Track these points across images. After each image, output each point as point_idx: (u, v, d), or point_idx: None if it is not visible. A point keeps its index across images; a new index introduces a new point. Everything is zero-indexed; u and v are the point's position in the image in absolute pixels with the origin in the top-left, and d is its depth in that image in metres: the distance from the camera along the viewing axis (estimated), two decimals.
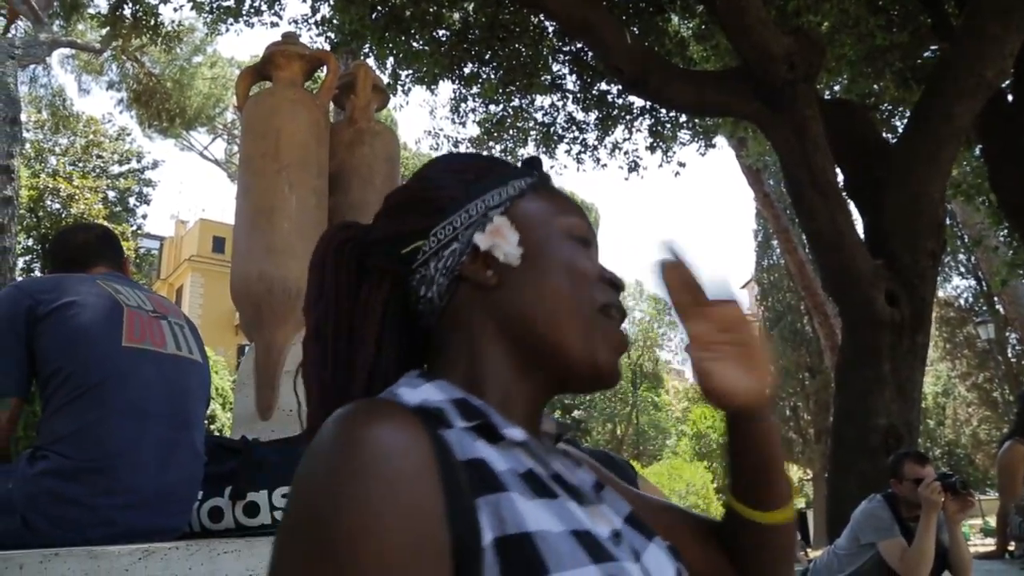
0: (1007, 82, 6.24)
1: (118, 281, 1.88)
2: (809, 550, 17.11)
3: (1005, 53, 4.83)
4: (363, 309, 0.67)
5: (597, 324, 0.65)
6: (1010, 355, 20.24)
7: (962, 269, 19.99)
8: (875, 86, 7.88)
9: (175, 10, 7.99)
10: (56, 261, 2.00)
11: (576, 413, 25.80)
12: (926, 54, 7.29)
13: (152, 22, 7.58)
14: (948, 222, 14.21)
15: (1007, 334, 18.89)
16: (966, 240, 14.03)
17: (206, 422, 2.83)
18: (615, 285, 0.69)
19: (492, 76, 7.71)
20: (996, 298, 17.51)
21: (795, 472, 27.67)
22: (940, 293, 21.28)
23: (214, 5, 7.31)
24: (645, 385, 27.70)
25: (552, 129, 8.51)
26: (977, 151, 7.51)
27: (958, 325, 22.60)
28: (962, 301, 22.18)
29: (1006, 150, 6.44)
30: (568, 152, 8.75)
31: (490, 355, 0.65)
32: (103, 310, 1.73)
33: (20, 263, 12.33)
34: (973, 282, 20.66)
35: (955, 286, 22.18)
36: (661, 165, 9.15)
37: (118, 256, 2.05)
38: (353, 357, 0.66)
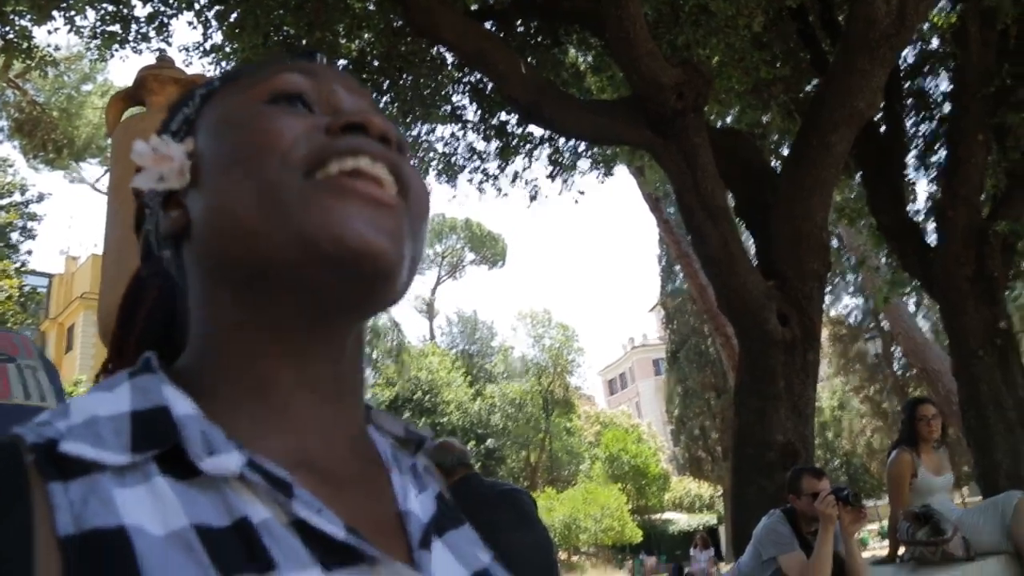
0: (879, 114, 6.67)
1: None
2: (721, 564, 17.51)
3: (874, 86, 5.13)
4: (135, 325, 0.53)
5: (309, 193, 0.43)
6: (896, 368, 21.42)
7: (851, 289, 21.13)
8: (762, 117, 8.25)
9: (49, 33, 7.60)
10: None
11: (489, 442, 25.64)
12: (808, 87, 7.70)
13: (25, 45, 7.15)
14: (835, 244, 15.01)
15: (892, 349, 20.00)
16: (852, 261, 14.82)
17: None
18: (353, 127, 0.46)
19: (391, 106, 7.66)
20: (881, 315, 18.56)
21: (705, 489, 28.32)
22: (832, 312, 22.42)
23: (97, 30, 6.98)
24: (557, 411, 27.84)
25: (453, 159, 8.51)
26: (857, 178, 7.95)
27: (850, 341, 23.82)
28: (852, 319, 23.41)
29: (881, 177, 6.87)
30: (470, 181, 8.75)
31: (214, 318, 0.46)
32: None
33: None
34: (861, 300, 21.85)
35: (845, 305, 23.45)
36: (561, 193, 9.26)
37: None
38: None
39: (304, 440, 0.45)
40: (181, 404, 0.41)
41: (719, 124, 8.56)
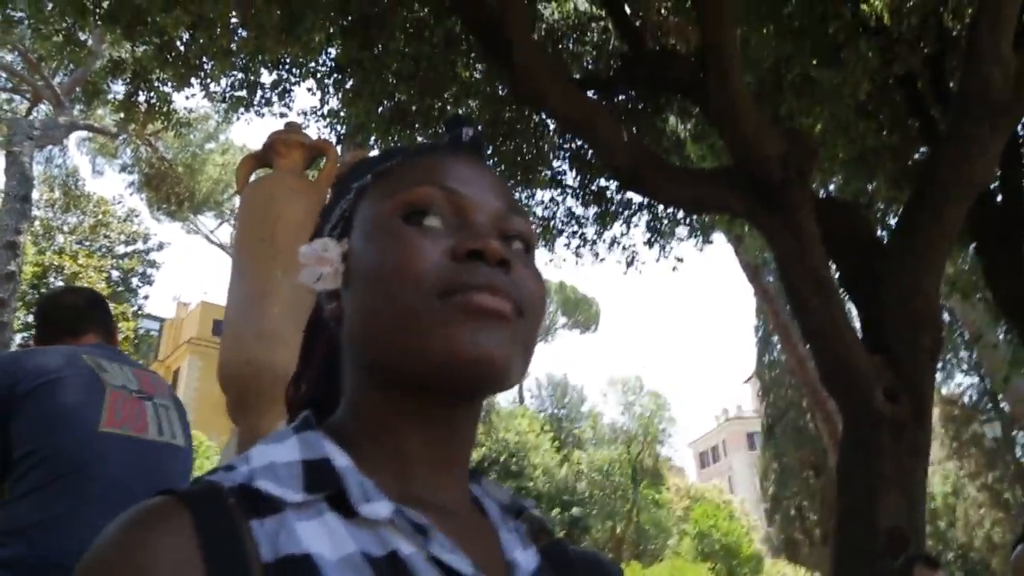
0: (995, 183, 6.38)
1: (106, 355, 1.83)
2: None
3: (990, 156, 4.94)
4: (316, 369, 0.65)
5: (436, 317, 0.51)
6: (1018, 455, 19.83)
7: (964, 367, 19.86)
8: (868, 186, 8.04)
9: (187, 98, 8.28)
10: (44, 325, 1.95)
11: (574, 510, 25.08)
12: (916, 156, 7.47)
13: (165, 108, 7.84)
14: (947, 319, 14.24)
15: (1014, 433, 18.58)
16: (966, 337, 14.01)
17: None
18: (475, 254, 0.52)
19: (493, 170, 7.89)
20: (1000, 396, 17.33)
21: (802, 574, 26.69)
22: (943, 391, 21.06)
23: (227, 95, 7.57)
24: (645, 482, 27.04)
25: (552, 223, 8.64)
26: (971, 249, 7.59)
27: (963, 423, 22.25)
28: (966, 399, 21.92)
29: (998, 247, 6.51)
30: (567, 246, 8.84)
31: (359, 392, 0.56)
32: (84, 390, 1.68)
33: (17, 338, 12.29)
34: (976, 379, 20.48)
35: (958, 383, 22.00)
36: (659, 260, 9.26)
37: (108, 322, 2.00)
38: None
39: (429, 494, 0.54)
40: (340, 457, 0.51)
41: (822, 192, 8.38)
